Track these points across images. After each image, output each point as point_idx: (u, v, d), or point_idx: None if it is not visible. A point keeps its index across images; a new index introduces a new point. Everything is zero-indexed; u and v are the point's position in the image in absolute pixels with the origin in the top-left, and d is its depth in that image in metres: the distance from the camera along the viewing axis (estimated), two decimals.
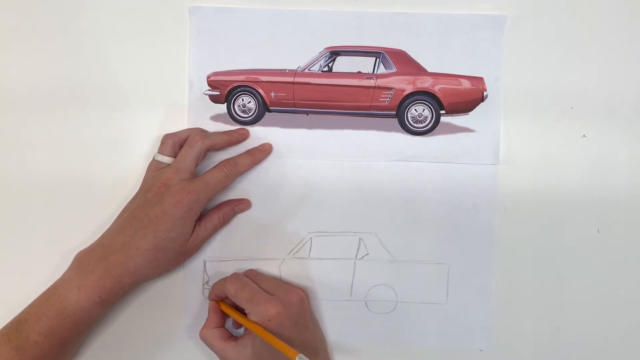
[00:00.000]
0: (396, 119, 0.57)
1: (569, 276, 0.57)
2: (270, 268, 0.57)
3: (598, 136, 0.57)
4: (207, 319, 0.54)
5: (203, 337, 0.53)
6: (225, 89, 0.58)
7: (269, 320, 0.49)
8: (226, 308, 0.53)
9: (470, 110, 0.57)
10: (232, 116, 0.58)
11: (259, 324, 0.49)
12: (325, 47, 0.57)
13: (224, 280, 0.53)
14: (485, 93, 0.57)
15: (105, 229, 0.53)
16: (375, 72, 0.58)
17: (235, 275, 0.53)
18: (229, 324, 0.56)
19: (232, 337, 0.53)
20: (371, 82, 0.58)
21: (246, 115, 0.58)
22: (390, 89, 0.58)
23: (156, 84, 0.57)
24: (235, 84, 0.58)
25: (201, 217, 0.54)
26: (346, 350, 0.56)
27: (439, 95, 0.57)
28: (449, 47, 0.57)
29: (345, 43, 0.57)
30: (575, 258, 0.57)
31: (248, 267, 0.57)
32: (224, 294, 0.53)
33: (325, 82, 0.57)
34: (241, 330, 0.56)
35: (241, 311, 0.52)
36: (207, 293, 0.57)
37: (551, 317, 0.57)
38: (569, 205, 0.57)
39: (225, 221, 0.56)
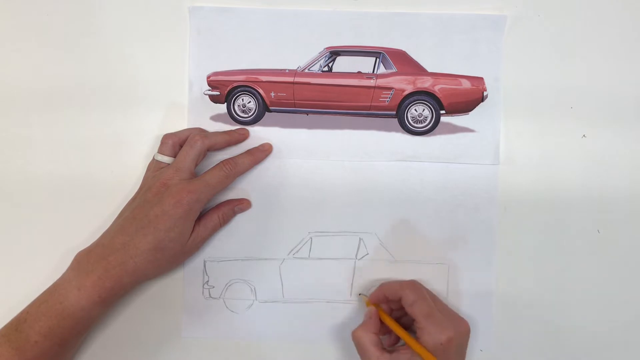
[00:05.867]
0: (396, 119, 0.57)
1: (569, 276, 0.57)
2: (270, 268, 0.57)
3: (598, 136, 0.57)
4: (366, 322, 0.51)
5: (358, 338, 0.50)
6: (225, 89, 0.58)
7: (441, 344, 0.47)
8: (388, 319, 0.51)
9: (470, 110, 0.57)
10: (232, 116, 0.58)
11: (429, 349, 0.47)
12: (325, 47, 0.57)
13: (401, 284, 0.51)
14: (485, 93, 0.57)
15: (105, 229, 0.52)
16: (375, 72, 0.58)
17: (415, 284, 0.51)
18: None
19: (386, 349, 0.50)
20: (371, 82, 0.58)
21: (246, 115, 0.58)
22: (390, 89, 0.58)
23: (156, 84, 0.57)
24: (235, 84, 0.58)
25: (201, 217, 0.54)
26: (346, 350, 0.56)
27: (439, 95, 0.57)
28: (449, 47, 0.57)
29: (345, 43, 0.57)
30: (575, 258, 0.57)
31: (248, 267, 0.57)
32: (396, 297, 0.51)
33: (325, 82, 0.57)
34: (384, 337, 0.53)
35: (397, 321, 0.51)
36: (207, 293, 0.57)
37: (551, 317, 0.57)
38: (569, 205, 0.57)
39: (225, 221, 0.56)
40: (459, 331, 0.49)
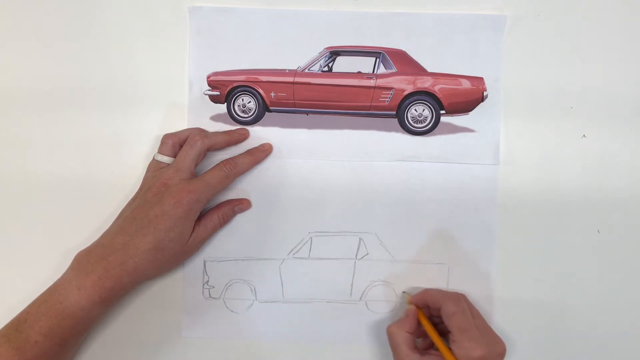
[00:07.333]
0: (396, 119, 0.58)
1: (569, 276, 0.57)
2: (270, 268, 0.57)
3: (598, 136, 0.57)
4: (402, 319, 0.52)
5: (392, 333, 0.51)
6: (225, 89, 0.58)
7: None
8: (426, 322, 0.52)
9: (470, 110, 0.57)
10: (232, 116, 0.58)
11: None
12: (325, 47, 0.57)
13: (444, 294, 0.51)
14: (485, 93, 0.57)
15: (105, 229, 0.52)
16: (375, 72, 0.58)
17: (459, 297, 0.51)
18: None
19: (418, 349, 0.51)
20: (371, 82, 0.58)
21: (246, 115, 0.58)
22: (390, 89, 0.58)
23: (156, 84, 0.57)
24: (235, 84, 0.58)
25: (201, 217, 0.54)
26: (346, 350, 0.57)
27: (439, 95, 0.57)
28: (449, 47, 0.57)
29: (345, 43, 0.57)
30: (575, 258, 0.57)
31: (248, 267, 0.57)
32: (437, 305, 0.51)
33: (325, 82, 0.57)
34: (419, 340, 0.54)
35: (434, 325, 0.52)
36: (207, 293, 0.57)
37: (551, 317, 0.57)
38: (569, 205, 0.57)
39: (225, 221, 0.56)
40: (494, 351, 0.48)
